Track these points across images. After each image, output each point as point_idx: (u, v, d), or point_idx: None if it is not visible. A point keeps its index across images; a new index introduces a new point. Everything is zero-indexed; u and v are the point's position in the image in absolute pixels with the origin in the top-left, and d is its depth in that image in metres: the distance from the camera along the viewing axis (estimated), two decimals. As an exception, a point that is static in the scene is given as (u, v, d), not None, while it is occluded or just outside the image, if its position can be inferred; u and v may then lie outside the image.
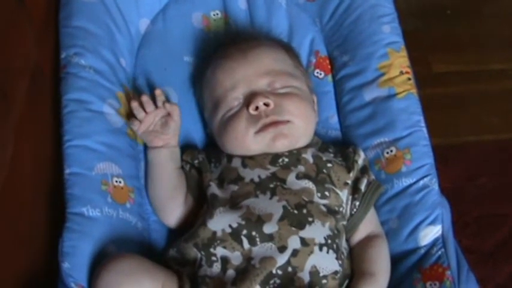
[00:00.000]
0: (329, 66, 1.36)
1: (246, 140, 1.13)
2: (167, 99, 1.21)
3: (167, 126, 1.18)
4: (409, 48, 1.33)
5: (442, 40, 2.08)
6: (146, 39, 1.34)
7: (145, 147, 1.23)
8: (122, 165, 1.16)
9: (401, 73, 1.26)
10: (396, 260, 1.13)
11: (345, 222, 1.11)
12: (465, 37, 2.12)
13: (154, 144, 1.18)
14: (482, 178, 1.71)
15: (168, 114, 1.19)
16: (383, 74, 1.25)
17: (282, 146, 1.13)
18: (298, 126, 1.15)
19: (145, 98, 1.17)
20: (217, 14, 1.38)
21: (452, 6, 2.22)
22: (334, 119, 1.31)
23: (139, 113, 1.17)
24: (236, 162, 1.13)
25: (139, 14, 1.34)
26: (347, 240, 1.12)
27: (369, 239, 1.13)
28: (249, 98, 1.14)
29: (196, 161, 1.18)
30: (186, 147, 1.24)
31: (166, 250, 1.12)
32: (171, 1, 1.37)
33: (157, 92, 1.19)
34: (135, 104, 1.16)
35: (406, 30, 1.36)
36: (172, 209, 1.17)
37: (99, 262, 1.03)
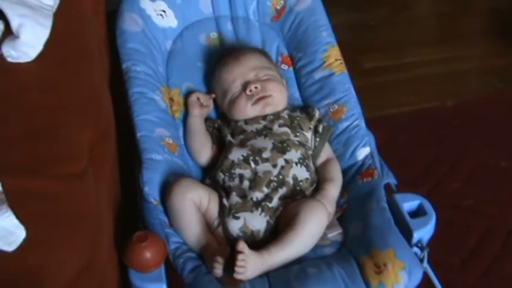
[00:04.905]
0: (290, 62, 1.71)
1: (246, 110, 1.54)
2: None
3: (204, 108, 1.60)
4: (343, 51, 1.65)
5: (367, 44, 2.49)
6: (171, 53, 1.69)
7: (184, 120, 1.58)
8: (169, 130, 1.51)
9: (336, 60, 1.63)
10: (345, 171, 1.50)
11: (310, 152, 1.50)
12: (385, 41, 2.53)
13: (194, 112, 1.58)
14: (402, 135, 2.16)
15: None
16: (325, 62, 1.63)
17: (268, 110, 1.54)
18: (277, 98, 1.56)
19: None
20: (214, 34, 1.75)
21: (374, 19, 2.63)
22: (297, 94, 1.68)
23: (202, 94, 1.61)
24: (241, 123, 1.55)
25: (166, 37, 1.69)
26: (314, 164, 1.50)
27: (327, 161, 1.52)
28: (245, 85, 1.54)
29: (216, 124, 1.59)
30: (206, 119, 1.62)
31: (203, 180, 1.51)
32: (184, 28, 1.73)
33: (213, 95, 1.60)
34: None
35: (340, 41, 1.68)
36: (204, 153, 1.56)
37: (167, 185, 1.38)
